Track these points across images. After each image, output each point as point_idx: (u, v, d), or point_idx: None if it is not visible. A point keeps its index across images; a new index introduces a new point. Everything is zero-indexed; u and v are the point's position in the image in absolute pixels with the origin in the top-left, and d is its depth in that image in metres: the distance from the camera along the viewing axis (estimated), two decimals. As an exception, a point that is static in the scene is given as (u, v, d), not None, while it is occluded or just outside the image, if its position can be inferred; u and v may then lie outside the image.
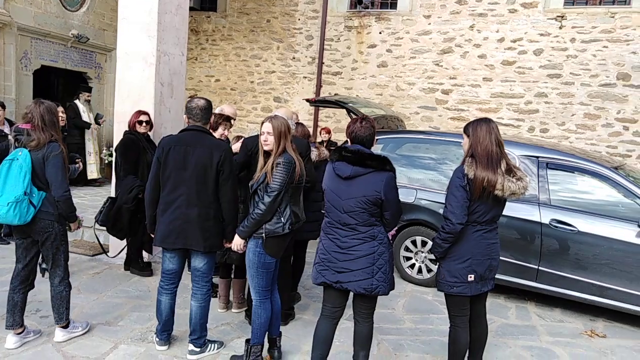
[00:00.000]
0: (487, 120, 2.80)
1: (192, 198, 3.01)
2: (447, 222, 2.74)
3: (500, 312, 4.33)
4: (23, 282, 3.20)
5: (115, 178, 4.55)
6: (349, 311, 2.96)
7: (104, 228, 4.39)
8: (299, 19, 9.95)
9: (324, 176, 2.90)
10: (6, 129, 5.41)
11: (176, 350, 3.28)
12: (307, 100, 7.11)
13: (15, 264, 3.23)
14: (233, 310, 3.96)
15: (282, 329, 3.35)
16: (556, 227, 4.23)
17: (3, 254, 4.99)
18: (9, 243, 5.36)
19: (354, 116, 5.73)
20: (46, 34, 8.15)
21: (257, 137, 3.12)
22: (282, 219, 2.94)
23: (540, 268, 4.31)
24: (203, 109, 3.12)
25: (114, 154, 4.66)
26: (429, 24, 9.00)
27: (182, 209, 3.02)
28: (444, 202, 2.84)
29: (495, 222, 2.85)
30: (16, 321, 3.20)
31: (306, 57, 9.96)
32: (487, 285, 2.87)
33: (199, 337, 3.18)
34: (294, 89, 10.13)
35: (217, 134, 3.75)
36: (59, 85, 8.93)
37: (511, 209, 4.07)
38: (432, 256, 4.84)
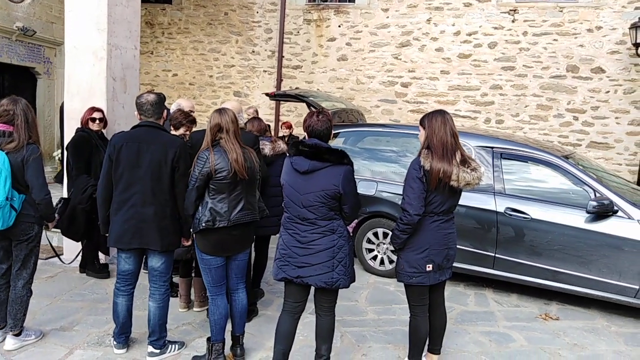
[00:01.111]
0: (442, 112, 2.84)
1: (147, 196, 2.93)
2: (404, 213, 2.77)
3: (459, 300, 4.45)
4: (6, 282, 3.20)
5: (67, 178, 4.37)
6: (311, 305, 2.96)
7: (58, 230, 4.21)
8: (257, 12, 9.83)
9: (282, 171, 2.87)
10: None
11: (135, 353, 3.19)
12: (267, 94, 7.05)
13: None
14: (195, 309, 3.89)
15: (246, 326, 3.32)
16: (511, 215, 4.37)
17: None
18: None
19: (313, 110, 5.72)
20: (-12, 27, 7.71)
21: (203, 131, 3.08)
22: (198, 214, 2.91)
23: (497, 255, 4.45)
24: (154, 104, 3.04)
25: (65, 152, 4.48)
26: (387, 17, 9.07)
27: (137, 208, 2.94)
28: (405, 193, 2.86)
29: (452, 212, 2.90)
30: (2, 317, 3.22)
31: (266, 50, 9.86)
32: (445, 274, 2.93)
33: (159, 338, 3.10)
34: (254, 83, 10.01)
35: (176, 133, 3.64)
36: (4, 81, 8.47)
37: (468, 199, 4.18)
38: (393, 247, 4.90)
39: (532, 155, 4.58)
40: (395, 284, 4.64)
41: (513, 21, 8.48)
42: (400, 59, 9.07)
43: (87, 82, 4.83)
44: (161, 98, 3.11)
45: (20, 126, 2.96)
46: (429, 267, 2.82)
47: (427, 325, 2.98)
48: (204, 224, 2.86)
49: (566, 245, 4.20)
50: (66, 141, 4.54)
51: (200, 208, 2.90)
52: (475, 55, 8.70)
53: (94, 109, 4.41)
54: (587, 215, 4.14)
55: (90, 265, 4.53)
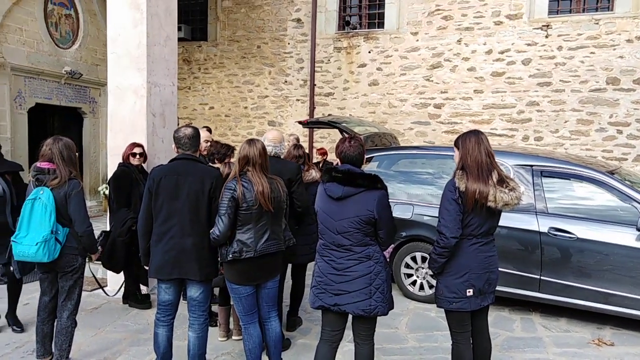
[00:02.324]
0: (475, 132, 2.80)
1: (185, 227, 2.99)
2: (441, 236, 2.71)
3: (505, 325, 4.26)
4: (51, 314, 3.30)
5: (109, 211, 4.54)
6: (350, 333, 2.91)
7: (100, 262, 4.35)
8: (289, 43, 10.09)
9: (316, 198, 2.88)
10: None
11: (176, 384, 3.21)
12: (300, 122, 7.15)
13: (40, 296, 3.32)
14: (234, 337, 3.90)
15: (284, 354, 3.29)
16: (555, 235, 4.19)
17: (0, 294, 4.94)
18: (5, 282, 5.32)
19: (346, 136, 5.75)
20: (39, 72, 8.25)
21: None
22: (225, 246, 2.95)
23: (542, 278, 4.26)
24: (191, 137, 3.13)
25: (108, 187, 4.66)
26: (417, 40, 9.11)
27: (176, 239, 3.00)
28: (440, 216, 2.81)
29: (492, 234, 2.82)
30: (47, 350, 3.31)
31: (298, 80, 10.06)
32: (487, 299, 2.82)
33: (198, 368, 3.12)
34: (287, 112, 10.20)
35: (219, 164, 3.74)
36: (54, 122, 8.99)
37: (509, 219, 4.05)
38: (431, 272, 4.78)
39: (575, 172, 4.41)
40: (437, 310, 4.50)
41: (547, 36, 8.33)
42: (432, 81, 9.04)
43: (128, 119, 5.05)
44: (197, 132, 3.21)
45: (58, 163, 3.12)
46: (469, 291, 2.73)
47: (471, 353, 2.86)
48: (231, 256, 2.90)
49: (617, 265, 3.98)
50: (109, 176, 4.74)
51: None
52: (509, 72, 8.57)
53: (134, 145, 4.59)
54: (638, 233, 3.92)
55: (132, 296, 4.64)
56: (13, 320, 4.06)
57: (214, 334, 3.76)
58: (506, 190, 2.65)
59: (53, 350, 3.26)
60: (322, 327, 2.88)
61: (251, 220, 2.90)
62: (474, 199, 2.64)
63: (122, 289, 4.64)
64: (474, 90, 8.79)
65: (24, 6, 7.94)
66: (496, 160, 2.77)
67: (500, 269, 2.95)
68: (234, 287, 3.01)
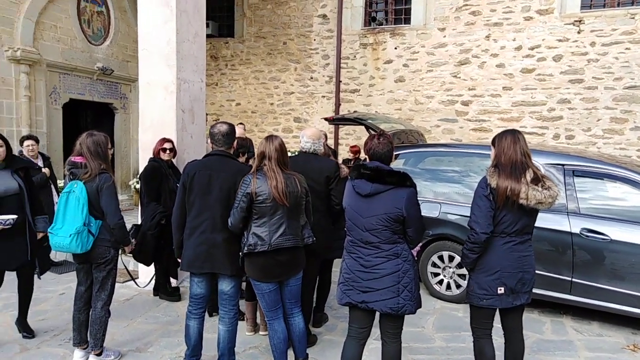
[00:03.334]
0: (512, 131, 2.79)
1: (217, 223, 3.04)
2: (471, 232, 2.72)
3: (534, 327, 4.20)
4: (87, 303, 3.40)
5: (140, 205, 4.64)
6: (377, 331, 2.92)
7: (131, 255, 4.46)
8: (315, 40, 10.10)
9: (344, 194, 2.89)
10: (40, 162, 5.59)
11: (205, 376, 3.28)
12: (326, 119, 7.16)
13: (77, 286, 3.43)
14: (260, 332, 3.95)
15: (310, 350, 3.32)
16: (587, 236, 4.10)
17: (38, 283, 5.12)
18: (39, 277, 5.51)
19: (373, 132, 5.74)
20: (73, 68, 8.48)
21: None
22: (243, 239, 3.00)
23: (574, 280, 4.17)
24: (225, 134, 3.18)
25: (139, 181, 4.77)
26: (444, 36, 9.00)
27: (207, 234, 3.05)
28: (470, 215, 2.80)
29: (527, 233, 2.78)
30: (82, 338, 3.40)
31: (323, 76, 10.07)
32: (521, 298, 2.79)
33: (227, 361, 3.17)
34: (313, 108, 10.22)
35: (242, 159, 3.79)
36: (87, 117, 9.23)
37: (539, 219, 3.94)
38: (460, 271, 4.74)
39: (608, 171, 4.29)
40: (464, 310, 4.47)
41: (579, 32, 8.12)
42: (460, 77, 8.92)
43: (158, 115, 5.15)
44: (232, 129, 3.25)
45: (88, 157, 3.21)
46: (500, 290, 2.71)
47: (492, 348, 2.86)
48: (246, 248, 2.94)
49: (653, 268, 3.86)
50: (140, 170, 4.84)
51: (245, 232, 2.99)
52: (540, 69, 8.39)
53: (164, 140, 4.67)
54: (676, 235, 3.80)
55: (162, 289, 4.75)
56: (23, 327, 3.86)
57: (242, 328, 3.82)
58: (540, 189, 2.62)
59: (88, 338, 3.37)
60: (349, 324, 2.89)
61: (266, 214, 2.93)
62: (505, 196, 2.63)
63: (153, 281, 4.75)
64: (503, 87, 8.63)
65: (59, 4, 8.16)
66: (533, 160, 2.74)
67: (530, 270, 2.90)
68: (256, 283, 3.05)
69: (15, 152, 6.21)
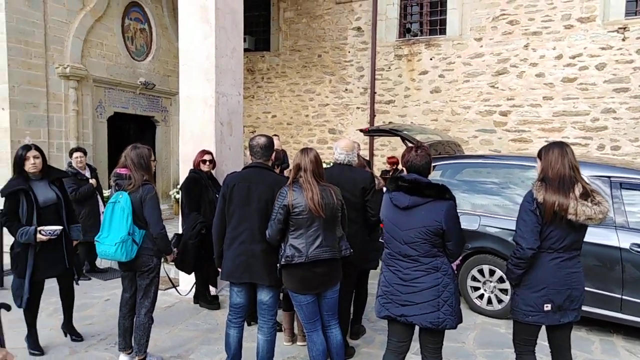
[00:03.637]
0: (560, 144, 2.71)
1: (255, 234, 3.09)
2: (517, 247, 2.66)
3: (582, 346, 4.03)
4: (131, 310, 3.51)
5: (181, 215, 4.77)
6: (416, 344, 2.88)
7: (173, 263, 4.58)
8: (349, 52, 10.16)
9: (382, 206, 2.89)
10: (87, 174, 5.83)
11: (244, 385, 3.31)
12: (361, 130, 7.17)
13: (122, 293, 3.55)
14: (298, 343, 3.97)
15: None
16: (638, 252, 3.93)
17: (85, 289, 5.33)
18: (90, 279, 5.74)
19: (409, 144, 5.70)
20: (117, 83, 8.84)
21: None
22: (280, 251, 3.02)
23: (624, 297, 3.99)
24: (263, 147, 3.24)
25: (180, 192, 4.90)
26: (481, 46, 8.89)
27: (247, 245, 3.11)
28: (511, 228, 2.75)
29: (575, 249, 2.69)
30: (127, 344, 3.52)
31: (358, 88, 10.11)
32: (569, 316, 2.69)
33: (266, 371, 3.20)
34: (347, 119, 10.26)
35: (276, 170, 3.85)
36: (130, 130, 9.58)
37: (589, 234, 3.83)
38: (502, 286, 4.63)
39: (659, 184, 4.11)
40: (507, 326, 4.34)
41: (624, 39, 7.85)
42: (498, 87, 8.77)
43: (198, 128, 5.30)
44: (271, 141, 3.31)
45: (132, 169, 3.33)
46: (547, 307, 2.64)
47: None
48: (283, 260, 2.96)
49: None
50: (181, 182, 4.98)
51: (282, 245, 3.01)
52: (582, 78, 8.15)
53: (204, 152, 4.80)
54: None
55: (202, 297, 4.84)
56: (70, 330, 3.98)
57: (279, 338, 3.84)
58: (589, 204, 2.54)
59: (132, 344, 3.47)
60: (388, 338, 2.87)
61: (302, 226, 2.94)
62: (553, 211, 2.56)
63: (193, 289, 4.86)
64: (543, 97, 8.43)
65: (105, 22, 8.55)
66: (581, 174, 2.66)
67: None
68: (294, 295, 3.06)
69: (65, 163, 6.53)
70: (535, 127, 8.50)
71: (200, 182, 4.64)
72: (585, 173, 4.35)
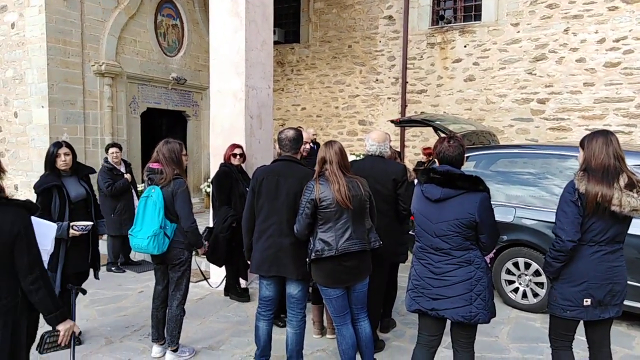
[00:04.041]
0: (604, 133, 2.57)
1: (284, 227, 3.08)
2: (557, 239, 2.55)
3: (622, 342, 3.86)
4: (163, 302, 3.58)
5: (212, 208, 4.82)
6: (448, 339, 2.81)
7: (204, 256, 4.64)
8: (380, 41, 10.01)
9: (413, 199, 2.82)
10: (122, 169, 5.98)
11: (274, 377, 3.33)
12: (392, 121, 7.07)
13: (155, 286, 3.62)
14: (327, 336, 3.95)
15: (378, 356, 3.27)
16: (686, 244, 3.70)
17: (119, 281, 5.49)
18: (124, 271, 5.90)
19: (441, 134, 5.57)
20: (150, 79, 9.02)
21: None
22: (309, 245, 2.99)
23: (669, 292, 3.78)
24: (292, 140, 3.22)
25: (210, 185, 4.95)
26: (518, 32, 8.57)
27: (275, 238, 3.10)
28: (548, 220, 2.63)
29: (618, 242, 2.56)
30: (160, 335, 3.60)
31: (389, 78, 9.95)
32: (610, 311, 2.57)
33: (295, 363, 3.20)
34: (378, 110, 10.13)
35: None
36: (163, 125, 9.77)
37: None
38: (537, 279, 4.47)
39: None
40: (542, 320, 4.20)
41: (673, 20, 7.39)
42: (535, 74, 8.45)
43: (228, 121, 5.33)
44: (299, 134, 3.29)
45: (164, 163, 3.37)
46: (586, 301, 2.52)
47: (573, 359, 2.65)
48: (313, 254, 2.93)
49: None
50: (211, 175, 5.03)
51: (311, 239, 2.99)
52: (626, 62, 7.74)
53: (235, 146, 4.82)
54: None
55: (232, 289, 4.90)
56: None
57: (309, 331, 3.83)
58: (635, 195, 2.40)
59: (165, 335, 3.54)
60: (419, 331, 2.81)
61: (331, 219, 2.91)
62: (596, 202, 2.43)
63: (224, 281, 4.91)
64: (584, 83, 8.06)
65: (138, 19, 8.72)
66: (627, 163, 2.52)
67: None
68: (323, 289, 3.04)
69: (100, 158, 6.73)
70: (575, 114, 8.15)
71: (230, 175, 4.66)
72: (629, 162, 4.13)
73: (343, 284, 3.01)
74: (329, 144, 3.05)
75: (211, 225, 4.71)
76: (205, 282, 4.53)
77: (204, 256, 4.35)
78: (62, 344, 2.24)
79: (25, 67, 7.55)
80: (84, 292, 3.19)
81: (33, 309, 2.15)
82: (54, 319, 2.17)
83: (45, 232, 2.39)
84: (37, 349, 2.29)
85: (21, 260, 2.03)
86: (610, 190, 2.41)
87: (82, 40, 7.78)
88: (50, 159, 3.60)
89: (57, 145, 3.64)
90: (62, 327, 2.19)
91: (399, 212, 3.54)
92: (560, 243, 2.51)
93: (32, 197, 3.42)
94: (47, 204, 3.53)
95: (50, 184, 3.54)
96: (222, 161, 4.80)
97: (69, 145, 3.68)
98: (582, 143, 2.63)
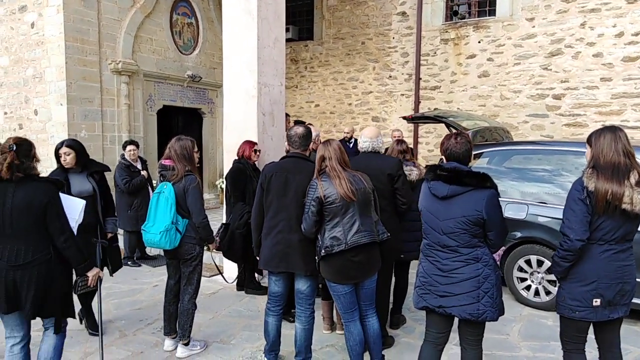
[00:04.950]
0: (612, 129, 2.52)
1: (292, 223, 3.11)
2: (564, 238, 2.50)
3: (637, 342, 3.81)
4: (176, 296, 3.65)
5: (226, 205, 4.88)
6: (456, 336, 2.82)
7: (220, 252, 4.69)
8: (394, 38, 9.97)
9: (420, 196, 2.83)
10: (139, 165, 6.09)
11: (283, 371, 3.38)
12: (405, 117, 7.05)
13: (167, 280, 3.69)
14: (337, 331, 3.99)
15: (387, 352, 3.29)
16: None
17: (135, 275, 5.60)
18: (140, 265, 6.01)
19: (453, 131, 5.54)
20: (166, 77, 9.14)
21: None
22: (318, 243, 3.00)
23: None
24: (301, 137, 3.25)
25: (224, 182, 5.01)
26: (533, 26, 8.45)
27: (284, 234, 3.14)
28: (561, 217, 2.59)
29: (628, 240, 2.52)
30: (172, 328, 3.67)
31: (402, 74, 9.91)
32: (619, 311, 2.54)
33: (304, 358, 3.24)
34: (391, 107, 10.10)
35: None
36: (179, 122, 9.90)
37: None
38: (550, 277, 4.44)
39: None
40: (554, 319, 4.17)
41: (694, 13, 7.21)
42: (551, 70, 8.33)
43: (241, 118, 5.39)
44: (309, 131, 3.31)
45: (175, 160, 3.43)
46: (596, 302, 2.48)
47: None
48: (323, 251, 2.94)
49: None
50: (225, 172, 5.09)
51: (319, 237, 3.01)
52: (645, 56, 7.58)
53: (254, 143, 4.85)
54: None
55: (249, 283, 4.96)
56: (87, 321, 4.00)
57: (319, 326, 3.88)
58: None
59: (177, 329, 3.61)
60: (426, 329, 2.82)
61: (338, 214, 2.93)
62: (606, 200, 2.39)
63: (238, 276, 4.97)
64: (601, 79, 7.92)
65: (154, 18, 8.84)
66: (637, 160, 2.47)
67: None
68: (332, 285, 3.06)
69: (118, 155, 6.85)
70: (592, 110, 8.01)
71: (245, 172, 4.70)
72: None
73: (352, 280, 3.03)
74: (327, 142, 3.08)
75: (225, 221, 4.77)
76: (218, 276, 4.59)
77: (217, 251, 4.40)
78: (91, 286, 2.94)
79: (44, 65, 7.73)
80: (106, 244, 3.65)
81: (64, 262, 2.76)
82: (83, 269, 2.85)
83: (73, 204, 2.94)
84: (73, 290, 2.89)
85: (53, 224, 2.66)
86: (621, 187, 2.37)
87: (99, 39, 7.92)
88: (56, 156, 3.74)
89: (60, 144, 3.73)
90: (90, 274, 2.89)
91: (398, 206, 3.53)
92: (569, 242, 2.47)
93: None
94: None
95: (53, 178, 3.64)
96: (236, 158, 4.84)
97: (70, 145, 3.72)
98: (589, 140, 2.57)
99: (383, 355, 3.26)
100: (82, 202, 3.02)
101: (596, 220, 2.45)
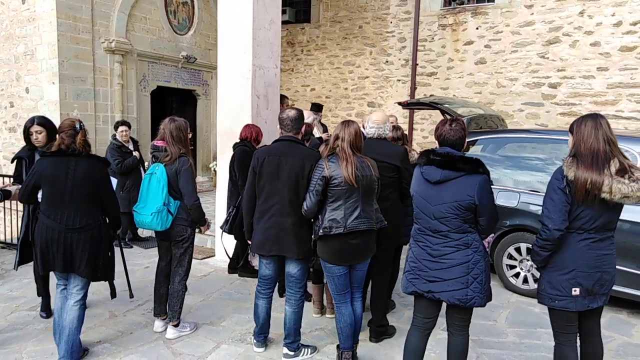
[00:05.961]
0: (594, 116, 2.50)
1: (285, 207, 3.10)
2: (543, 227, 2.50)
3: (621, 329, 3.86)
4: (166, 278, 3.65)
5: (233, 186, 4.76)
6: (444, 321, 2.84)
7: (212, 234, 4.68)
8: (391, 22, 9.86)
9: (412, 181, 2.82)
10: (131, 147, 6.04)
11: (272, 353, 3.41)
12: (400, 103, 7.01)
13: (158, 262, 3.70)
14: (327, 315, 4.01)
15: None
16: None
17: (127, 256, 5.57)
18: (132, 247, 6.00)
19: (448, 117, 5.52)
20: (160, 57, 9.02)
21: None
22: (318, 222, 3.02)
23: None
24: (293, 120, 3.22)
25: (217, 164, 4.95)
26: (532, 14, 8.38)
27: (277, 218, 3.13)
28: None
29: (609, 229, 2.51)
30: (162, 310, 3.68)
31: (399, 59, 9.83)
32: (598, 301, 2.54)
33: (293, 341, 3.27)
34: (387, 92, 10.05)
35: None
36: (173, 103, 9.80)
37: (631, 212, 3.60)
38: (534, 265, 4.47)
39: None
40: (541, 306, 4.14)
41: (694, 3, 7.17)
42: (548, 58, 8.29)
43: (235, 101, 5.34)
44: (301, 114, 3.28)
45: (169, 142, 3.40)
46: (575, 290, 2.48)
47: (576, 356, 2.63)
48: (321, 231, 2.95)
49: None
50: (218, 154, 5.03)
51: (319, 216, 3.01)
52: (643, 46, 7.55)
53: (257, 126, 4.79)
54: None
55: (244, 267, 4.95)
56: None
57: (308, 310, 3.90)
58: (626, 181, 2.33)
59: (167, 310, 3.62)
60: (414, 314, 2.84)
61: (341, 197, 2.93)
62: (585, 190, 2.37)
63: (226, 255, 4.93)
64: (597, 68, 7.90)
65: (148, -3, 8.68)
66: (619, 147, 2.46)
67: (618, 267, 2.65)
68: (328, 266, 3.08)
69: (110, 136, 6.78)
70: (587, 100, 8.01)
71: (251, 155, 4.60)
72: (638, 149, 4.08)
73: (348, 262, 3.06)
74: (346, 123, 3.05)
75: (223, 206, 4.72)
76: (210, 259, 4.59)
77: (211, 234, 4.36)
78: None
79: (36, 42, 7.60)
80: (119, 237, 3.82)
81: (109, 229, 3.24)
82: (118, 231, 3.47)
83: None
84: None
85: (106, 197, 3.16)
86: (600, 176, 2.35)
87: (92, 16, 7.78)
88: (25, 134, 3.69)
89: (31, 121, 3.68)
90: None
91: (405, 195, 3.47)
92: (547, 232, 2.47)
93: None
94: (20, 171, 3.71)
95: (18, 155, 3.73)
96: (238, 140, 4.76)
97: (42, 123, 3.67)
98: (571, 128, 2.55)
99: (358, 340, 3.28)
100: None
101: (576, 209, 2.44)
